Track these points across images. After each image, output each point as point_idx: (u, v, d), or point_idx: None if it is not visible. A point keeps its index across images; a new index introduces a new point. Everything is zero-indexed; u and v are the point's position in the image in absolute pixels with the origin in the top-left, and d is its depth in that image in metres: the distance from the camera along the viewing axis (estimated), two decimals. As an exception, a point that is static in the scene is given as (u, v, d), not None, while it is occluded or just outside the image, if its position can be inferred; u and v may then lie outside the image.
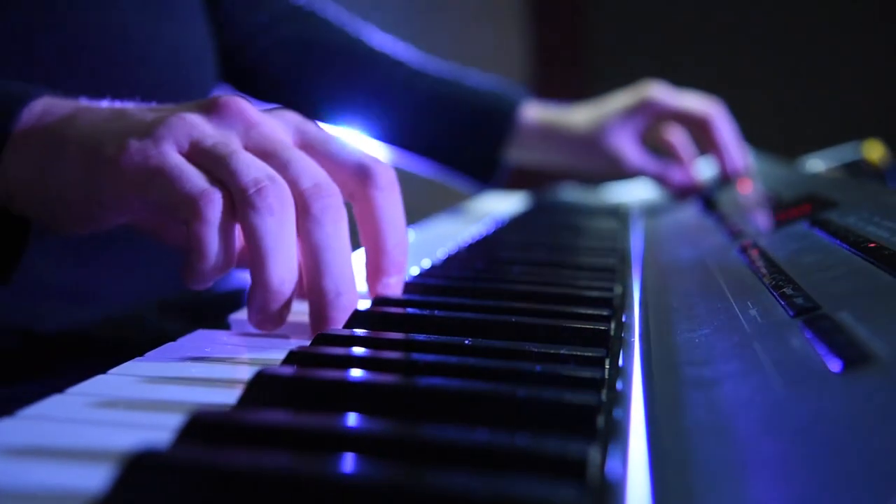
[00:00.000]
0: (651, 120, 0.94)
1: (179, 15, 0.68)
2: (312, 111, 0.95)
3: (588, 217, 0.87)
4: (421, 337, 0.34)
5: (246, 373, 0.29)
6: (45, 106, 0.42)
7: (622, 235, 0.68)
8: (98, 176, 0.38)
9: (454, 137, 0.97)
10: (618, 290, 0.45)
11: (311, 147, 0.41)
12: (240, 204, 0.36)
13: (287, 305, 0.38)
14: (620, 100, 0.96)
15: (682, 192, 0.92)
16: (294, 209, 0.37)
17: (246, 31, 0.89)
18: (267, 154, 0.39)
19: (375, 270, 0.42)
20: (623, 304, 0.43)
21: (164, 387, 0.31)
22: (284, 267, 0.36)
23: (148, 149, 0.37)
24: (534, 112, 0.98)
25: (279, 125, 0.41)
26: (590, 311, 0.39)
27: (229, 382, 0.32)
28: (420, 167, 1.01)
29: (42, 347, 0.56)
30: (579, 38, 2.23)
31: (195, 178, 0.36)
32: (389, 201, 0.41)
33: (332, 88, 0.94)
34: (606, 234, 0.70)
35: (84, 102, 0.43)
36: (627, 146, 0.94)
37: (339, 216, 0.39)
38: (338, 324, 0.38)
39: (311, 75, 0.93)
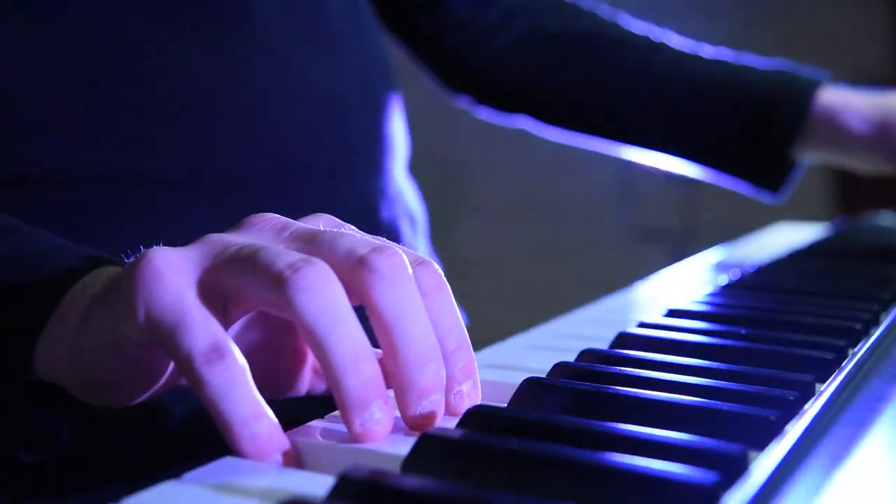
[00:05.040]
0: None
1: (338, 44, 0.64)
2: (556, 113, 0.86)
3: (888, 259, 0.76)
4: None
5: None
6: (86, 281, 0.40)
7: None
8: (118, 304, 0.35)
9: (728, 132, 0.81)
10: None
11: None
12: (280, 292, 0.32)
13: (375, 379, 0.33)
14: None
15: None
16: (343, 287, 0.33)
17: (474, 34, 0.83)
18: (310, 240, 0.36)
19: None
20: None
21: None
22: (350, 341, 0.33)
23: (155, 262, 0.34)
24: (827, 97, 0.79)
25: (313, 222, 0.39)
26: (794, 378, 0.42)
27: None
28: (689, 172, 0.87)
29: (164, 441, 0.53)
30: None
31: (201, 327, 0.33)
32: (440, 304, 0.37)
33: (579, 82, 0.84)
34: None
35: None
36: None
37: (408, 275, 0.35)
38: (428, 393, 0.35)
39: (553, 70, 0.84)
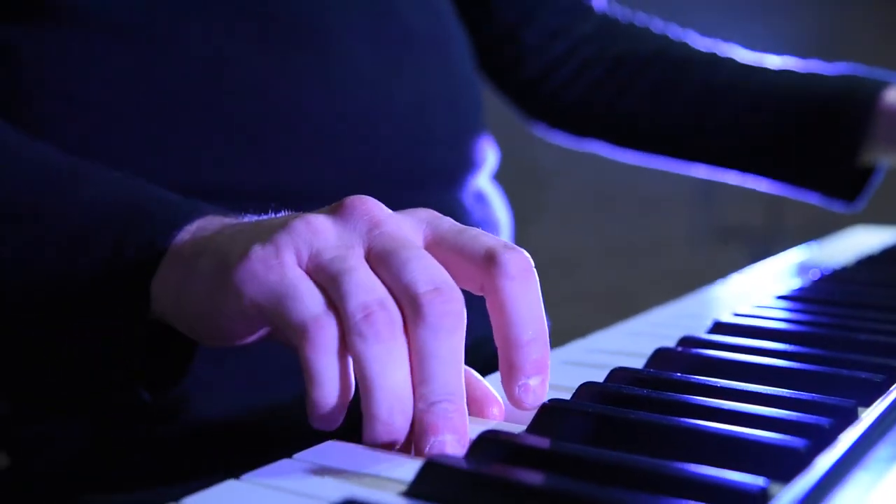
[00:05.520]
0: None
1: (424, 59, 0.67)
2: (623, 135, 0.88)
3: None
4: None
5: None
6: (199, 225, 0.43)
7: None
8: (222, 285, 0.37)
9: (793, 142, 0.80)
10: None
11: (442, 242, 0.39)
12: (347, 330, 0.35)
13: (402, 429, 0.35)
14: None
15: None
16: (404, 334, 0.35)
17: (543, 64, 0.86)
18: (388, 253, 0.37)
19: (510, 370, 0.38)
20: None
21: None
22: (393, 396, 0.34)
23: (269, 258, 0.36)
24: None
25: (408, 222, 0.39)
26: (833, 404, 0.38)
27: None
28: (762, 187, 0.85)
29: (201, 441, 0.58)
30: None
31: (309, 299, 0.35)
32: (521, 290, 0.37)
33: (641, 104, 0.85)
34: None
35: (235, 219, 0.43)
36: None
37: (456, 325, 0.35)
38: (437, 432, 0.35)
39: (617, 93, 0.85)
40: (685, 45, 0.86)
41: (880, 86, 0.77)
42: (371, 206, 0.39)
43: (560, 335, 0.64)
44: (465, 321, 0.36)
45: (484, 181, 0.75)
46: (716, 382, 0.41)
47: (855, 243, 0.90)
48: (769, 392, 0.39)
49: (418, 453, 0.35)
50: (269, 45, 0.60)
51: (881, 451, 0.34)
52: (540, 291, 0.38)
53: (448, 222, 0.40)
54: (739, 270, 0.76)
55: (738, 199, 2.66)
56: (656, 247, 2.77)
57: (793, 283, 0.65)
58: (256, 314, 0.37)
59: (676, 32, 0.88)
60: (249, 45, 0.60)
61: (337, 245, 0.37)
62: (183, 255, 0.41)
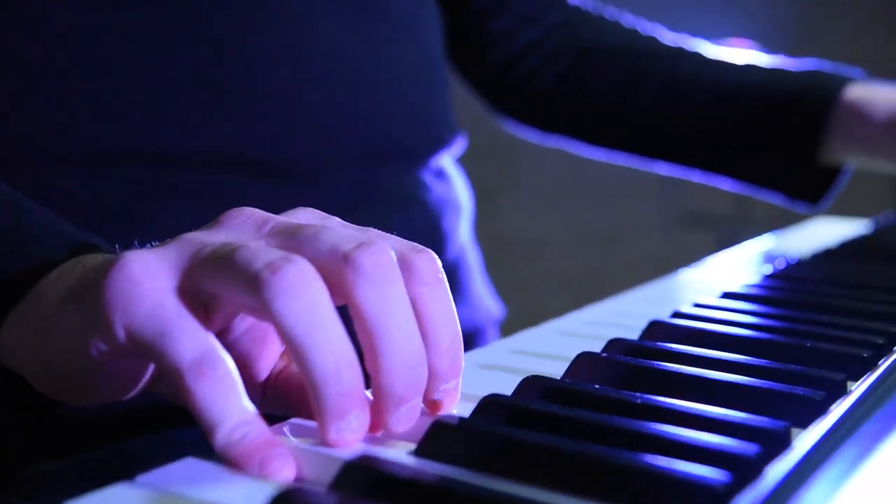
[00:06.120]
0: None
1: (394, 34, 0.66)
2: (586, 128, 0.85)
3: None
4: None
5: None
6: (62, 270, 0.37)
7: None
8: (89, 312, 0.32)
9: (754, 138, 0.77)
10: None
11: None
12: (259, 295, 0.30)
13: (358, 392, 0.31)
14: None
15: None
16: (326, 288, 0.31)
17: (512, 51, 0.83)
18: (292, 232, 0.33)
19: (431, 375, 0.34)
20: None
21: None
22: (331, 347, 0.30)
23: (141, 277, 0.31)
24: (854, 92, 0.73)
25: (300, 214, 0.36)
26: (764, 427, 0.38)
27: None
28: (727, 186, 0.83)
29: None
30: None
31: (186, 335, 0.31)
32: (440, 293, 0.35)
33: (604, 96, 0.82)
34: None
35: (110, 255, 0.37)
36: None
37: (394, 275, 0.32)
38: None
39: (581, 85, 0.83)
40: (652, 39, 0.83)
41: (843, 82, 0.74)
42: (252, 210, 0.35)
43: (528, 320, 0.61)
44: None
45: (446, 160, 0.74)
46: (635, 397, 0.36)
47: (816, 235, 0.87)
48: (693, 411, 0.35)
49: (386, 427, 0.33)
50: (238, 11, 0.59)
51: (815, 487, 0.29)
52: (449, 292, 0.35)
53: (336, 222, 0.36)
54: (708, 257, 0.73)
55: (707, 185, 2.63)
56: (625, 232, 2.74)
57: (743, 279, 0.61)
58: (129, 343, 0.32)
59: (646, 27, 0.85)
60: (218, 10, 0.58)
61: (216, 241, 0.33)
62: (43, 303, 0.36)
